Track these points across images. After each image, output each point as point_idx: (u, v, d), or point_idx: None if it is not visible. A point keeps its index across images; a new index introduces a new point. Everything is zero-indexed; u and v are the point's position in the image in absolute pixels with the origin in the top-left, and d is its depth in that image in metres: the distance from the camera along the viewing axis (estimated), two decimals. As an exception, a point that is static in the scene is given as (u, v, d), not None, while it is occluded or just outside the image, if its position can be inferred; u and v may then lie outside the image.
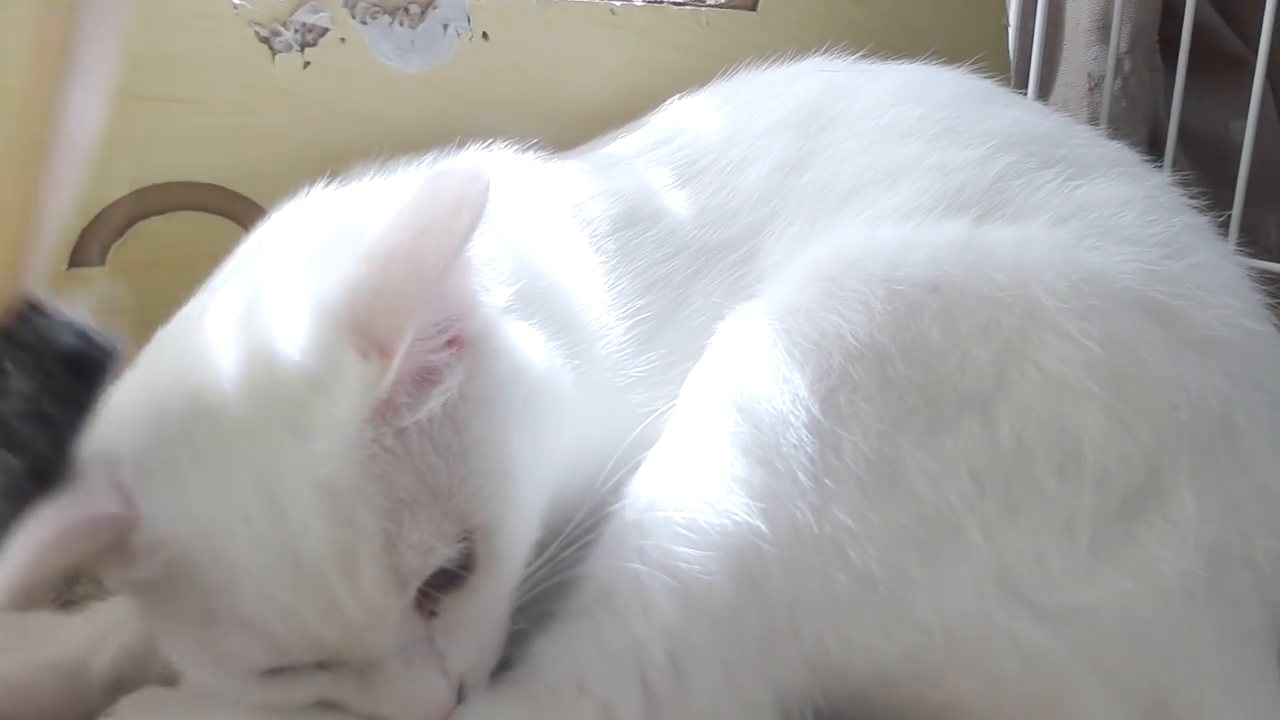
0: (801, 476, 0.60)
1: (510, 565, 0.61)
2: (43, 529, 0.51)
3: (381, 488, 0.54)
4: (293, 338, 0.56)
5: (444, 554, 0.56)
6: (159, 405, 0.58)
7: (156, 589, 0.56)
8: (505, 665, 0.63)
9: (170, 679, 0.68)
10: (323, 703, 0.60)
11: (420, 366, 0.55)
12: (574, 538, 0.63)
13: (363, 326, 0.55)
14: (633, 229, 0.77)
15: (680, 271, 0.75)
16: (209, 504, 0.54)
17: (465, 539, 0.57)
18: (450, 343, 0.57)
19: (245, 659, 0.55)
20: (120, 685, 0.68)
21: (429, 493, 0.56)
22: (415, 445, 0.55)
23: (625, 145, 0.86)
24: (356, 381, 0.54)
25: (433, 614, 0.58)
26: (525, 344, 0.64)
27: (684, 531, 0.61)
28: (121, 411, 0.58)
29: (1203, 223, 0.76)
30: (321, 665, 0.57)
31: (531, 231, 0.74)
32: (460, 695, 0.59)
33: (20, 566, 0.50)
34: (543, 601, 0.63)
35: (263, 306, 0.59)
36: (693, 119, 0.86)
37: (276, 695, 0.59)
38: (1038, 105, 0.87)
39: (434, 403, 0.56)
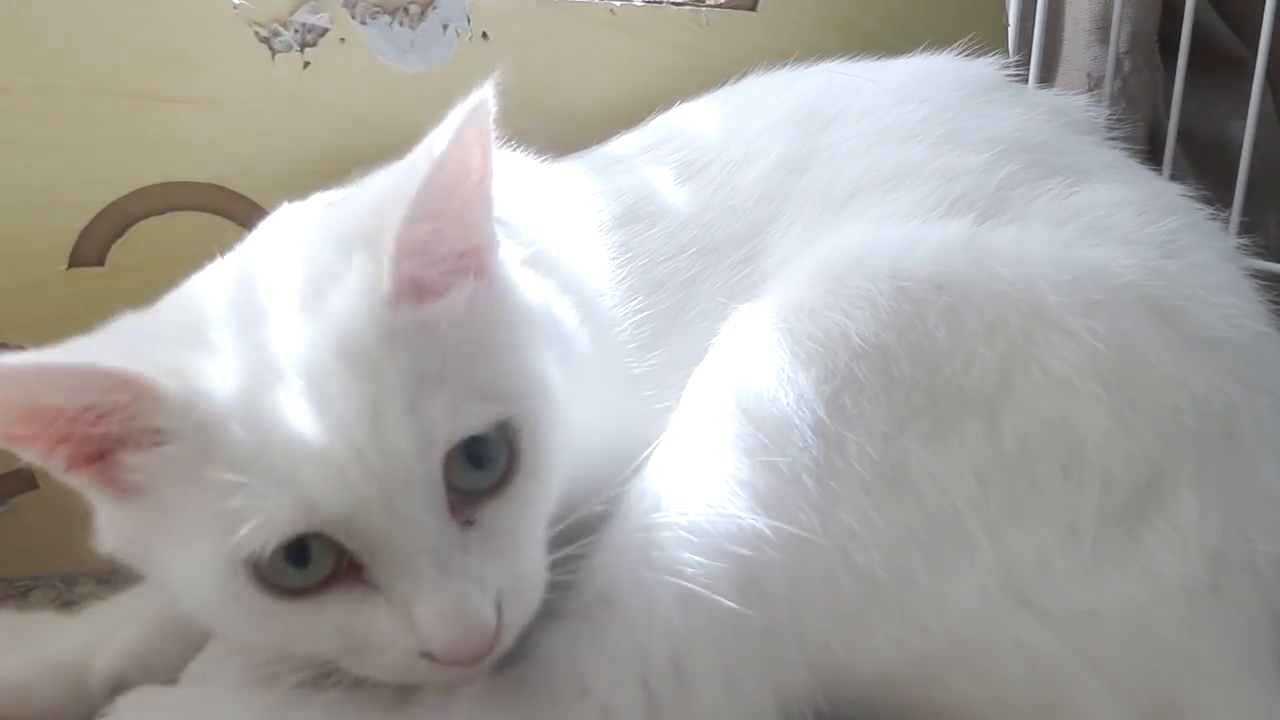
0: (806, 479, 0.60)
1: (545, 478, 0.60)
2: (72, 360, 0.54)
3: (405, 359, 0.56)
4: (319, 246, 0.61)
5: (470, 423, 0.56)
6: (194, 303, 0.62)
7: (178, 467, 0.55)
8: (503, 665, 0.63)
9: (169, 679, 0.68)
10: (334, 681, 0.59)
11: (418, 270, 0.58)
12: (592, 513, 0.63)
13: (372, 235, 0.58)
14: (634, 226, 0.77)
15: (684, 271, 0.75)
16: (243, 369, 0.56)
17: (507, 434, 0.58)
18: (464, 258, 0.60)
19: (270, 526, 0.53)
20: (120, 686, 0.68)
21: (459, 373, 0.57)
22: (443, 332, 0.58)
23: (625, 145, 0.86)
24: (364, 274, 0.57)
25: (471, 522, 0.58)
26: (547, 291, 0.66)
27: (687, 535, 0.61)
28: (171, 310, 0.63)
29: (1203, 222, 0.76)
30: (355, 576, 0.56)
31: (539, 226, 0.74)
32: (500, 625, 0.56)
33: (35, 368, 0.53)
34: (546, 602, 0.63)
35: (282, 238, 0.64)
36: (692, 119, 0.86)
37: (296, 622, 0.57)
38: (1039, 101, 0.86)
39: (444, 306, 0.58)
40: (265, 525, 0.53)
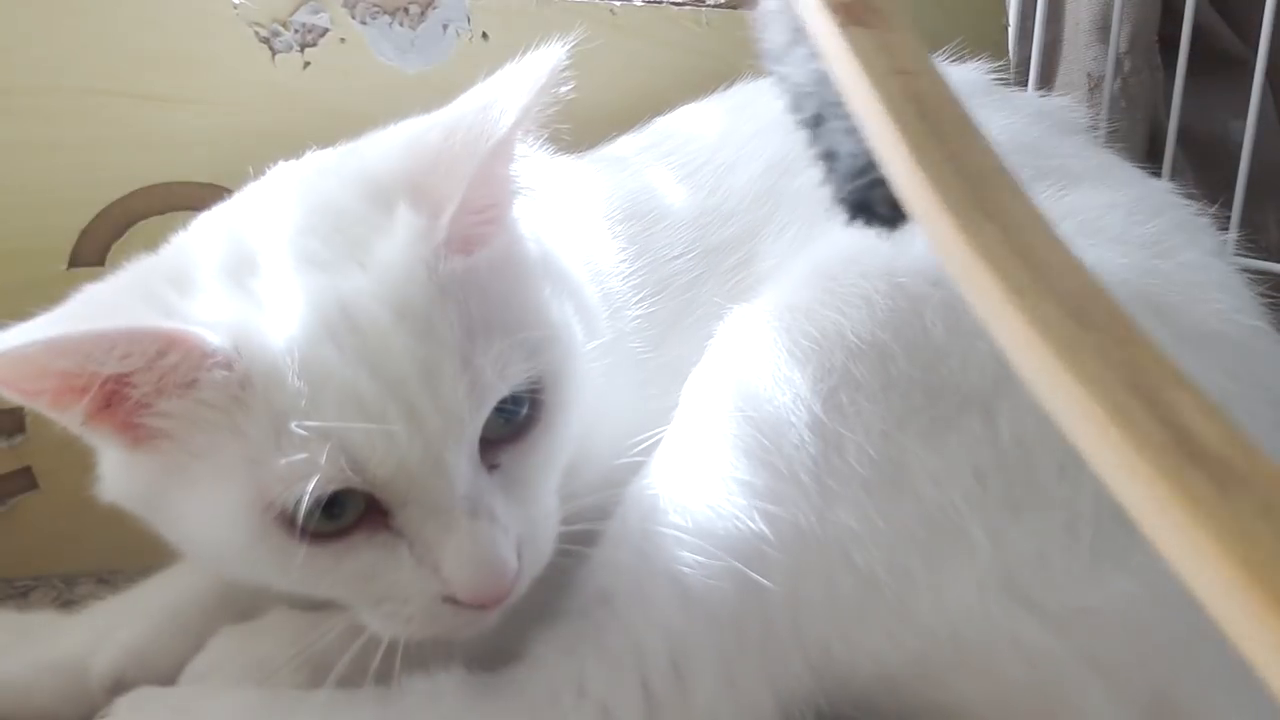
0: (804, 478, 0.60)
1: (564, 426, 0.62)
2: (122, 325, 0.54)
3: (455, 314, 0.56)
4: (348, 194, 0.60)
5: (517, 376, 0.57)
6: (234, 246, 0.60)
7: (215, 416, 0.55)
8: (502, 664, 0.63)
9: (169, 679, 0.68)
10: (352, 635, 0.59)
11: (469, 227, 0.58)
12: (591, 490, 0.64)
13: (419, 185, 0.58)
14: (637, 223, 0.77)
15: (686, 273, 0.75)
16: (294, 319, 0.55)
17: (533, 385, 0.59)
18: (495, 209, 0.61)
19: (311, 482, 0.53)
20: (120, 685, 0.68)
21: (500, 325, 0.57)
22: (484, 284, 0.58)
23: (622, 147, 0.86)
24: (411, 227, 0.57)
25: (494, 467, 0.59)
26: (557, 250, 0.68)
27: (686, 535, 0.61)
28: (196, 250, 0.61)
29: (1194, 221, 0.76)
30: (379, 521, 0.56)
31: (553, 214, 0.74)
32: (519, 569, 0.57)
33: (84, 334, 0.53)
34: (544, 601, 0.63)
35: (312, 180, 0.63)
36: (686, 122, 0.86)
37: (320, 566, 0.56)
38: (1024, 104, 0.86)
39: (488, 254, 0.59)
40: (306, 481, 0.53)
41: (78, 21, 0.84)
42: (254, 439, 0.54)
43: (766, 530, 0.60)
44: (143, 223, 0.87)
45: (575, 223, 0.76)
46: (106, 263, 0.87)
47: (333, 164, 0.65)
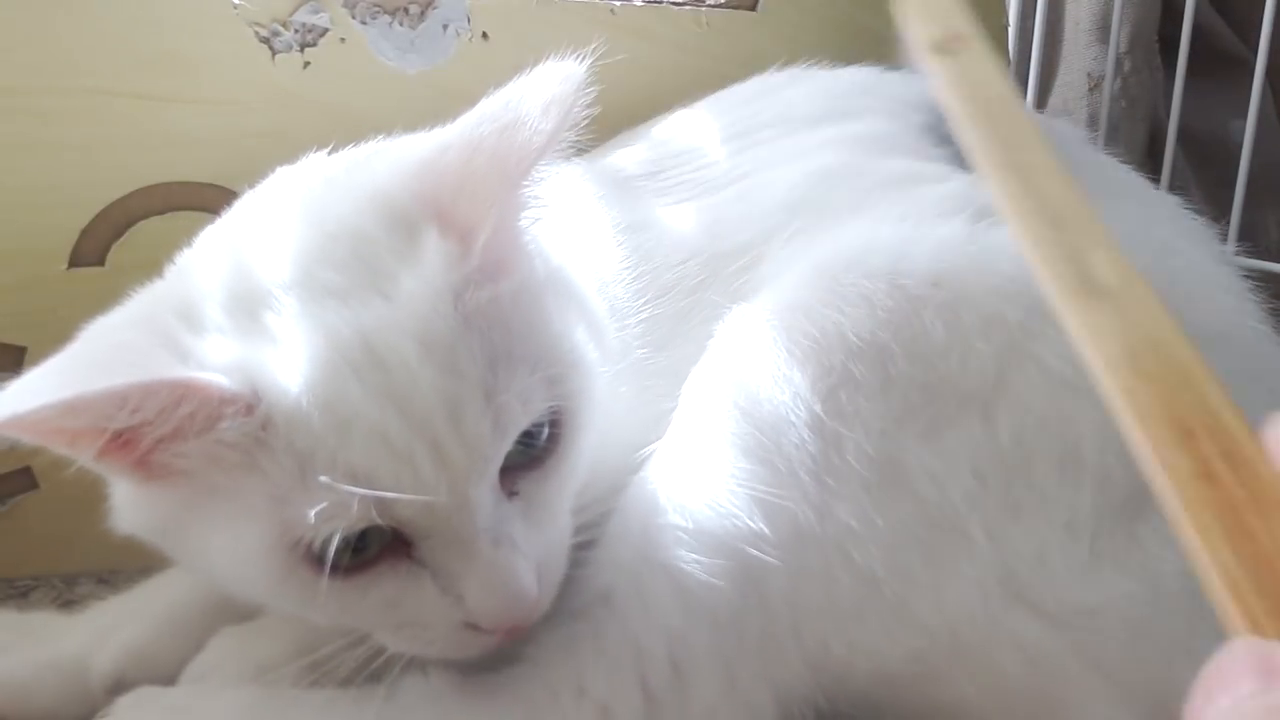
0: (803, 476, 0.60)
1: (580, 450, 0.61)
2: (135, 374, 0.52)
3: (479, 345, 0.55)
4: (363, 217, 0.58)
5: (539, 407, 0.57)
6: (244, 274, 0.58)
7: (235, 455, 0.54)
8: (504, 662, 0.63)
9: (169, 679, 0.68)
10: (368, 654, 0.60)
11: (497, 251, 0.57)
12: (601, 500, 0.64)
13: (445, 209, 0.57)
14: (646, 234, 0.76)
15: (691, 277, 0.74)
16: (315, 356, 0.54)
17: (553, 413, 0.58)
18: (515, 245, 0.60)
19: (338, 521, 0.53)
20: (121, 685, 0.68)
21: (522, 353, 0.57)
22: (507, 310, 0.57)
23: (633, 153, 0.85)
24: (442, 254, 0.56)
25: (514, 493, 0.58)
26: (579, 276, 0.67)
27: (685, 534, 0.61)
28: (205, 279, 0.59)
29: (1196, 229, 0.76)
30: (402, 551, 0.56)
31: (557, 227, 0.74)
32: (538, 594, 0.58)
33: (96, 394, 0.51)
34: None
35: (320, 196, 0.61)
36: (698, 132, 0.84)
37: (345, 599, 0.57)
38: (1056, 133, 0.85)
39: (511, 281, 0.58)
40: (335, 523, 0.53)
41: (78, 21, 0.84)
42: (277, 478, 0.54)
43: (766, 529, 0.60)
44: (143, 223, 0.87)
45: (580, 231, 0.75)
46: (106, 263, 0.87)
47: (340, 178, 0.63)
